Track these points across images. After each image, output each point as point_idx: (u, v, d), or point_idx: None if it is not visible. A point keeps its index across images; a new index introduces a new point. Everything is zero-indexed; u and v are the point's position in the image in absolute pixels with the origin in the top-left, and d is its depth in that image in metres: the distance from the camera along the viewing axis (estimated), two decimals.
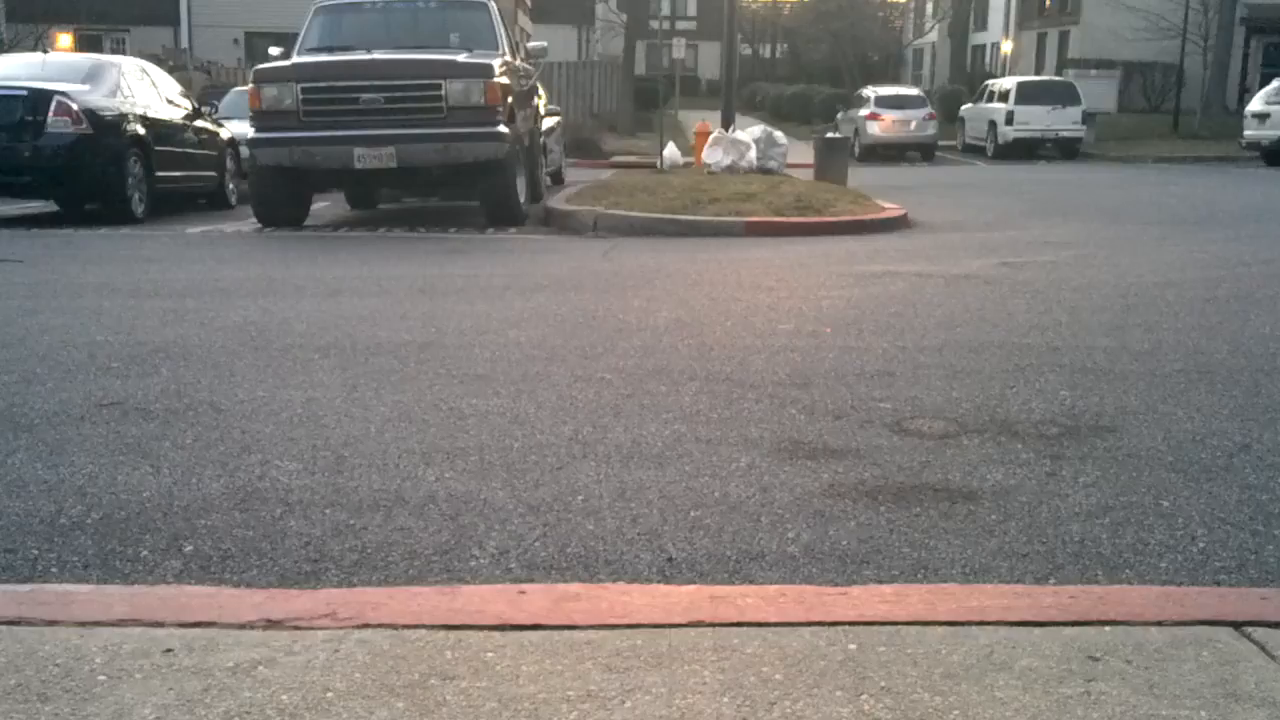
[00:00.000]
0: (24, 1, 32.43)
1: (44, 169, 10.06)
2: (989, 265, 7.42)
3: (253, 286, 6.50)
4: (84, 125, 10.07)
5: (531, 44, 12.11)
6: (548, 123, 14.21)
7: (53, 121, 9.98)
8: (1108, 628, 1.94)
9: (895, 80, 43.69)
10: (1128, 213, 12.11)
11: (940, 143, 27.88)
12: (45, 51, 20.06)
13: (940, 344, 4.74)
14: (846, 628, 1.93)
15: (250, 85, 10.27)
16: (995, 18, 44.72)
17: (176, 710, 1.66)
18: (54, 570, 2.39)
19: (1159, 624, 1.96)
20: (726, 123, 16.37)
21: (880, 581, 2.30)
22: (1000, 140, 26.67)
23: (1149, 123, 31.24)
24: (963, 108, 30.40)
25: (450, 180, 10.47)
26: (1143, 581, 2.35)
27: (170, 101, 12.11)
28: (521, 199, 10.59)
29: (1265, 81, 25.73)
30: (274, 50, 11.40)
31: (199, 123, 12.72)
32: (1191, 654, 1.85)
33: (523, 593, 2.12)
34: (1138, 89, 35.43)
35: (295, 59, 10.39)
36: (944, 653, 1.85)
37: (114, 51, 25.77)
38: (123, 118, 10.69)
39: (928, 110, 27.86)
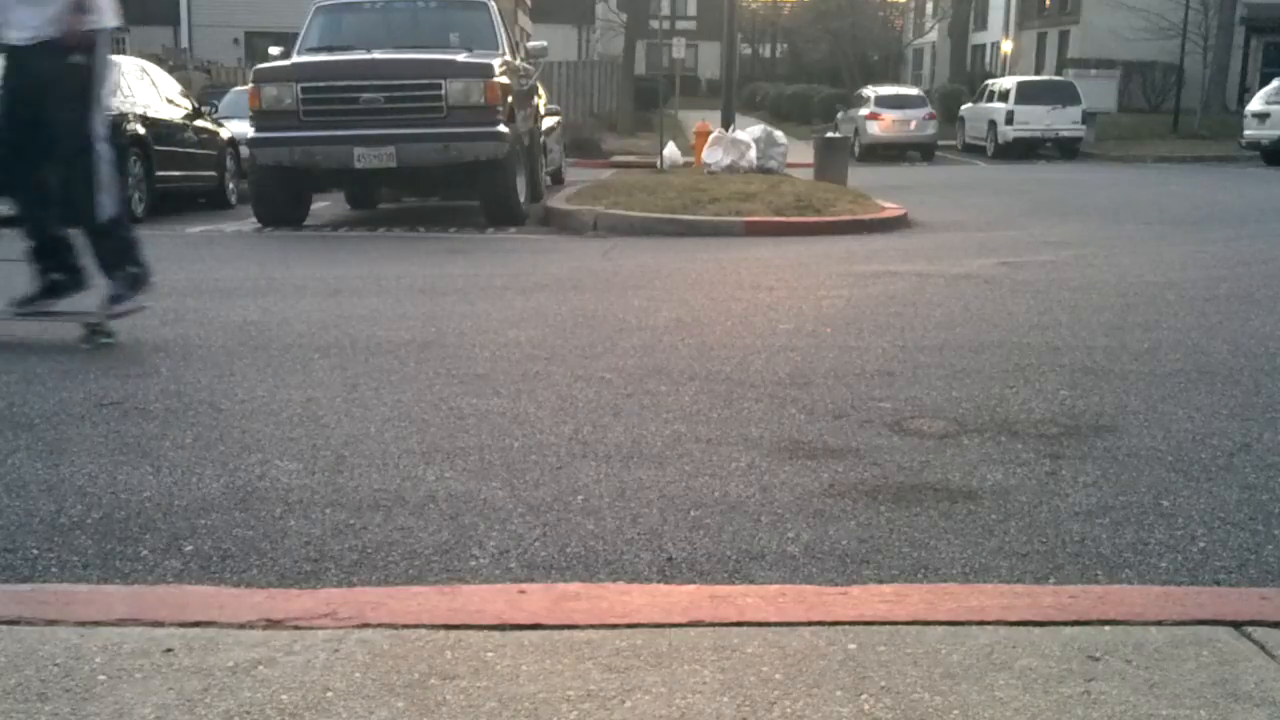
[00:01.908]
0: None
1: None
2: (989, 265, 7.42)
3: (253, 286, 6.50)
4: None
5: (531, 44, 12.12)
6: (548, 122, 14.21)
7: None
8: (1108, 627, 1.94)
9: (895, 80, 43.69)
10: (1127, 212, 12.11)
11: (940, 142, 27.90)
12: None
13: (940, 344, 4.74)
14: (846, 627, 1.93)
15: (250, 85, 10.28)
16: (995, 17, 44.72)
17: (176, 710, 1.66)
18: (54, 570, 2.38)
19: (1159, 624, 1.96)
20: (726, 122, 16.37)
21: (880, 581, 2.30)
22: (1000, 140, 26.68)
23: (1149, 122, 31.24)
24: (963, 107, 30.41)
25: (450, 180, 10.48)
26: (1143, 581, 2.35)
27: (170, 101, 12.11)
28: (521, 199, 10.59)
29: (1265, 81, 25.73)
30: (274, 50, 11.41)
31: (199, 123, 12.72)
32: (1191, 654, 1.84)
33: (523, 592, 2.12)
34: (1138, 89, 35.42)
35: (295, 59, 10.40)
36: (944, 652, 1.85)
37: (114, 51, 25.74)
38: (123, 117, 10.67)
39: (928, 110, 27.89)
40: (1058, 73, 34.97)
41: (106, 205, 4.35)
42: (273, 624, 1.95)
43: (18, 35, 4.33)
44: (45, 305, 4.58)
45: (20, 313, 4.59)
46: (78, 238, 4.57)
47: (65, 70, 4.29)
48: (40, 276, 4.55)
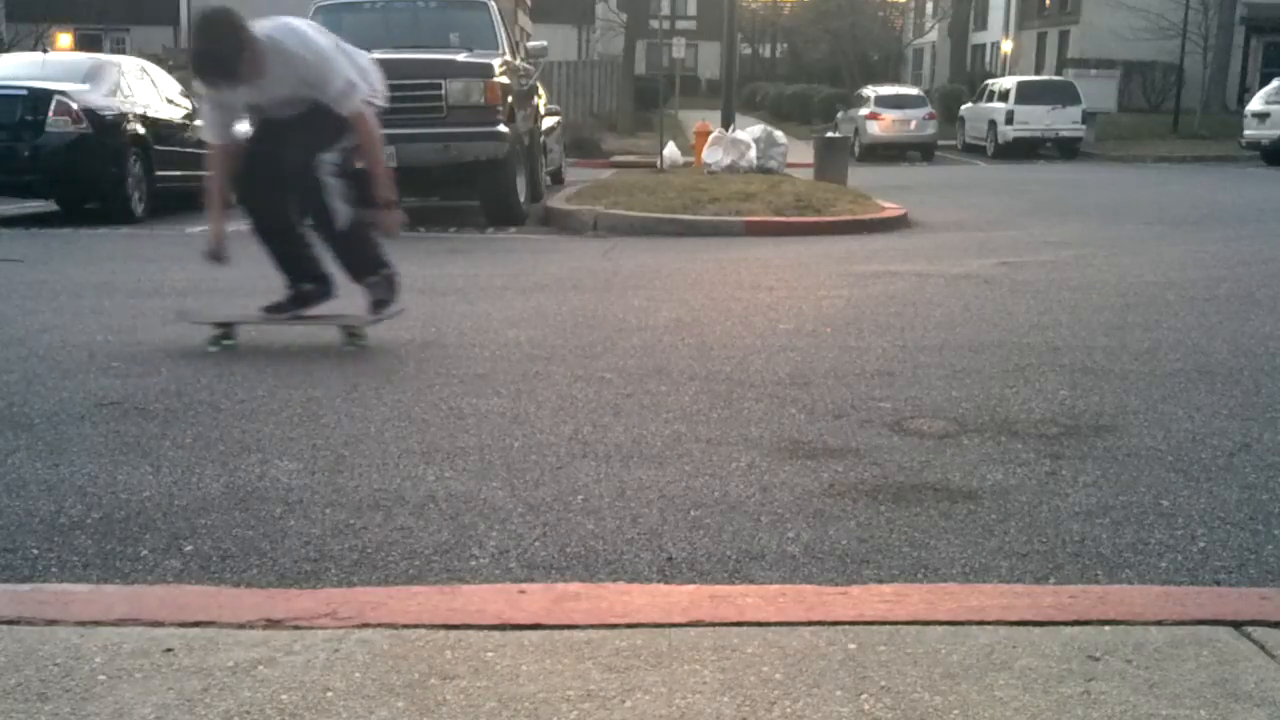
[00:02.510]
0: (24, 1, 32.45)
1: (44, 169, 10.05)
2: (989, 265, 7.42)
3: (253, 286, 6.48)
4: (84, 125, 10.07)
5: (531, 44, 12.10)
6: (548, 122, 14.20)
7: (53, 121, 9.98)
8: (1108, 627, 1.94)
9: (895, 80, 43.69)
10: (1127, 212, 12.11)
11: (940, 142, 27.89)
12: (45, 51, 20.06)
13: (940, 344, 4.74)
14: (846, 627, 1.93)
15: None
16: (995, 17, 44.71)
17: (176, 710, 1.66)
18: (54, 570, 2.38)
19: (1159, 624, 1.96)
20: (726, 122, 16.36)
21: (880, 581, 2.30)
22: (1000, 140, 26.68)
23: (1149, 122, 31.24)
24: (963, 107, 30.41)
25: (450, 180, 10.47)
26: (1143, 581, 2.35)
27: (170, 101, 12.10)
28: (521, 198, 10.58)
29: (1265, 81, 25.73)
30: None
31: (199, 122, 12.70)
32: (1191, 654, 1.84)
33: (522, 592, 2.12)
34: (1138, 89, 35.42)
35: None
36: (944, 652, 1.85)
37: (114, 51, 25.77)
38: (122, 117, 10.68)
39: (928, 110, 27.89)
40: (1058, 73, 34.96)
41: (341, 211, 4.55)
42: (273, 624, 1.95)
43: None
44: (296, 312, 4.75)
45: (273, 318, 4.73)
46: (320, 250, 4.71)
47: (324, 114, 4.46)
48: (291, 287, 4.73)
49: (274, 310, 4.72)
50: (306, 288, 4.73)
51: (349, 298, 4.84)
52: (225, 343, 4.59)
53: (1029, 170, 21.78)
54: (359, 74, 4.51)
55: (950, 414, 3.62)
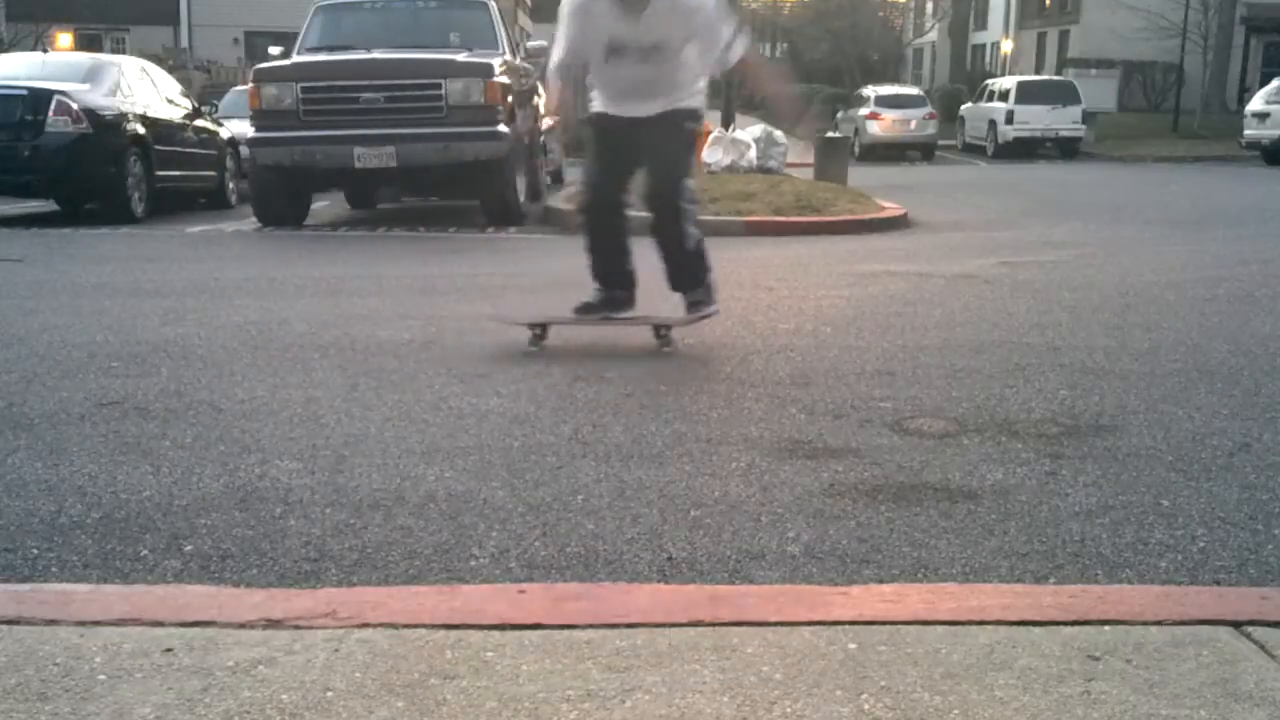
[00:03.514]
0: (24, 1, 32.48)
1: (44, 169, 10.07)
2: (989, 265, 7.42)
3: (253, 286, 6.50)
4: (84, 125, 10.08)
5: (531, 44, 12.12)
6: (547, 122, 14.18)
7: (53, 121, 10.00)
8: (1108, 627, 1.94)
9: (895, 80, 43.67)
10: (1128, 212, 12.12)
11: (940, 142, 27.93)
12: (45, 51, 20.09)
13: (940, 343, 4.74)
14: (846, 627, 1.93)
15: (250, 85, 10.29)
16: (995, 17, 44.74)
17: (176, 710, 1.66)
18: (54, 570, 2.38)
19: (1159, 624, 1.96)
20: (726, 122, 16.36)
21: (880, 581, 2.30)
22: (1000, 140, 26.71)
23: (1149, 122, 31.26)
24: (963, 107, 30.44)
25: (450, 180, 10.48)
26: (1143, 581, 2.35)
27: (170, 101, 12.12)
28: (521, 198, 10.59)
29: (1265, 81, 25.76)
30: (274, 50, 11.47)
31: (199, 122, 12.73)
32: (1191, 654, 1.84)
33: (522, 592, 2.12)
34: (1138, 88, 35.45)
35: (295, 58, 10.41)
36: (944, 652, 1.85)
37: (114, 51, 25.79)
38: (123, 117, 10.70)
39: (928, 109, 27.92)
40: (1058, 72, 34.98)
41: (692, 235, 4.67)
42: (273, 624, 1.95)
43: (641, 112, 4.55)
44: (606, 314, 4.86)
45: (583, 319, 4.83)
46: (635, 260, 4.81)
47: (682, 133, 4.59)
48: (603, 291, 4.83)
49: (584, 311, 4.82)
50: (619, 294, 4.84)
51: (648, 298, 4.90)
52: (542, 343, 4.69)
53: (1029, 170, 21.79)
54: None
55: (950, 414, 3.62)
